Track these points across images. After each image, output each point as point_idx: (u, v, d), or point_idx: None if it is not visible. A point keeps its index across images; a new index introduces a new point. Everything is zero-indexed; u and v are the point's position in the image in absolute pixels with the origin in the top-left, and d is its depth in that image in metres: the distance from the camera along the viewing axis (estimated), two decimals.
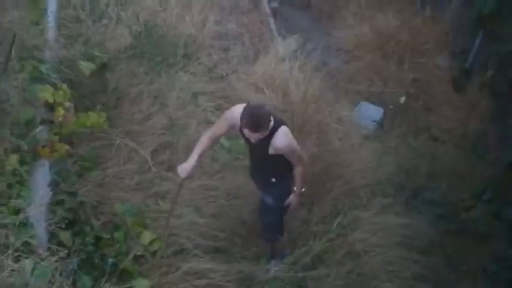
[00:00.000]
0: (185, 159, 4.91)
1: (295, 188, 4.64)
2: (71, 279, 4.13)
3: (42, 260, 4.08)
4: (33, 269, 3.98)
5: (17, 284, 3.87)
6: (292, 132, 5.70)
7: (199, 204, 5.16)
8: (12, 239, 4.02)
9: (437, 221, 5.74)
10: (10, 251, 3.92)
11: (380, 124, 6.57)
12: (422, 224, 5.64)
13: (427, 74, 7.15)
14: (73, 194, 4.71)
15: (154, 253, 4.64)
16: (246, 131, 4.09)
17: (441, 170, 6.16)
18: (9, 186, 4.23)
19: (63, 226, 4.43)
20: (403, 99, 6.74)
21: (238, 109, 4.23)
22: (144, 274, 4.50)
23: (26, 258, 4.01)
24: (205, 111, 5.97)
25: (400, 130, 6.58)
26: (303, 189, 4.70)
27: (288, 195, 4.68)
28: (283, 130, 4.28)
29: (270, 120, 4.14)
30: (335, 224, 5.17)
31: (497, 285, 5.32)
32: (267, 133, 4.16)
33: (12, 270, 3.87)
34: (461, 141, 6.53)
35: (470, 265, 5.51)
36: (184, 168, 4.41)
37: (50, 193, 4.53)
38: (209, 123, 5.84)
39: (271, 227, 4.89)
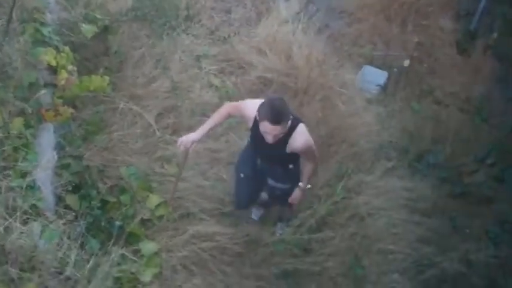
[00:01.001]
0: (189, 124, 4.94)
1: (300, 183, 4.46)
2: (78, 242, 4.17)
3: (50, 223, 4.10)
4: (41, 232, 4.00)
5: (26, 246, 3.88)
6: (296, 96, 5.76)
7: (204, 167, 5.16)
8: (19, 201, 4.03)
9: (441, 184, 5.75)
10: (18, 214, 3.93)
11: (384, 88, 6.51)
12: (425, 187, 5.66)
13: (431, 37, 7.05)
14: (78, 158, 4.71)
15: (160, 217, 4.66)
16: (266, 124, 3.82)
17: (445, 133, 6.13)
18: (15, 149, 4.21)
19: (70, 190, 4.45)
20: (407, 62, 6.67)
21: (255, 103, 4.02)
22: (150, 237, 4.54)
23: (34, 221, 4.03)
24: (208, 74, 5.92)
25: (404, 94, 6.53)
26: (309, 186, 4.57)
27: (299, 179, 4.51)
28: (302, 128, 4.08)
29: (290, 115, 3.92)
30: (339, 187, 5.18)
31: (500, 247, 5.35)
32: (286, 130, 3.93)
33: (21, 233, 3.89)
34: (465, 105, 6.48)
35: (473, 228, 5.54)
36: (188, 139, 4.23)
37: (56, 156, 4.54)
38: (212, 86, 5.82)
39: (282, 201, 4.79)
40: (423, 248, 5.19)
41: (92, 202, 4.52)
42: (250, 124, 4.13)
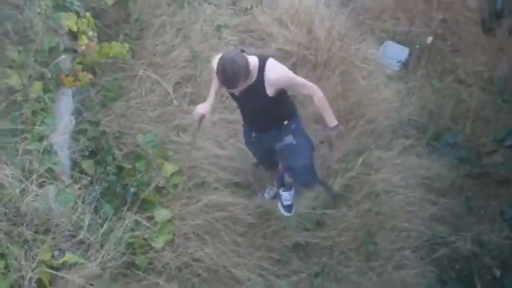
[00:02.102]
0: (207, 94, 4.90)
1: (328, 125, 4.17)
2: (93, 207, 4.21)
3: (66, 187, 4.14)
4: (56, 195, 4.04)
5: (41, 209, 3.93)
6: (316, 69, 5.71)
7: (220, 138, 5.16)
8: (36, 165, 4.07)
9: (459, 164, 5.71)
10: (34, 177, 3.97)
11: (405, 64, 6.43)
12: (443, 166, 5.62)
13: (455, 14, 6.92)
14: (96, 124, 4.73)
15: (175, 185, 4.68)
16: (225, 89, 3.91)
17: (465, 113, 6.07)
18: (34, 113, 4.24)
19: (86, 155, 4.49)
20: (430, 39, 6.57)
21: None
22: (164, 205, 4.56)
23: (50, 184, 4.07)
24: (228, 44, 5.86)
25: (425, 71, 6.46)
26: (335, 124, 4.18)
27: (303, 129, 4.41)
28: (270, 63, 3.96)
29: (248, 69, 3.81)
30: (358, 163, 5.15)
31: None
32: (253, 79, 3.89)
33: (36, 196, 3.93)
34: (488, 85, 6.39)
35: (489, 209, 5.51)
36: (200, 110, 4.30)
37: (73, 121, 4.57)
38: None
39: (305, 170, 4.50)
40: (437, 227, 5.18)
41: (108, 168, 4.55)
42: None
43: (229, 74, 3.75)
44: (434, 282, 4.92)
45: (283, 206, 4.86)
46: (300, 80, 4.11)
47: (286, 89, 4.12)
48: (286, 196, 4.84)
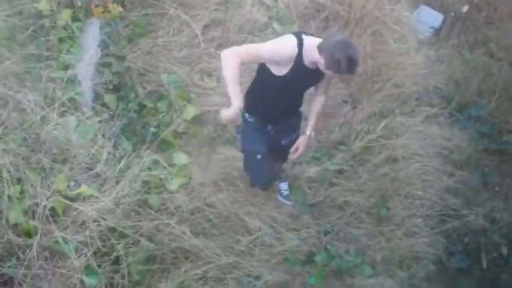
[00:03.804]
0: (235, 40, 4.82)
1: (309, 128, 3.94)
2: (112, 142, 4.21)
3: (86, 118, 4.13)
4: (76, 126, 4.03)
5: (60, 139, 3.93)
6: (348, 26, 5.60)
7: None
8: (59, 93, 4.05)
9: (479, 138, 5.63)
10: (56, 105, 3.96)
11: (437, 31, 6.30)
12: (463, 139, 5.55)
13: None
14: (121, 58, 4.68)
15: (196, 132, 4.65)
16: (345, 75, 3.44)
17: (492, 87, 5.96)
18: (60, 40, 4.20)
19: (109, 89, 4.46)
20: (465, 8, 6.41)
21: (293, 43, 3.46)
22: (183, 150, 4.54)
23: (71, 114, 4.06)
24: None
25: (457, 40, 6.33)
26: (313, 133, 4.00)
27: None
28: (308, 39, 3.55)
29: None
30: (380, 126, 5.09)
31: None
32: None
33: (57, 124, 3.92)
34: None
35: (503, 186, 5.46)
36: (233, 115, 3.44)
37: (99, 54, 4.53)
38: (264, 4, 5.66)
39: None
40: (450, 199, 5.15)
41: (129, 104, 4.53)
42: (285, 68, 3.52)
43: (357, 60, 3.37)
44: (442, 253, 4.91)
45: (284, 197, 4.81)
46: None
47: None
48: (283, 187, 4.82)
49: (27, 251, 3.57)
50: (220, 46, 5.11)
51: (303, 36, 3.51)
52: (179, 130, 4.59)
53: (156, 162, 4.25)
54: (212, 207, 4.40)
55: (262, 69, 3.62)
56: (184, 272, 4.12)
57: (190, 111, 4.63)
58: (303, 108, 4.04)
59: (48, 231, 3.67)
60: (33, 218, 3.65)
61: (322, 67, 3.41)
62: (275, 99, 3.76)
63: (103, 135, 4.15)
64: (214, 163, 4.52)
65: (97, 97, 4.43)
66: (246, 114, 3.92)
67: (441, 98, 5.78)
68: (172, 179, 4.31)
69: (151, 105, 4.62)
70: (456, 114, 5.73)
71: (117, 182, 4.07)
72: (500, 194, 5.41)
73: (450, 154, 5.38)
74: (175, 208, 4.26)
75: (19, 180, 3.71)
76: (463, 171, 5.37)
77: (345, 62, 3.29)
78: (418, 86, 5.66)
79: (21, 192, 3.69)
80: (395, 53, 5.65)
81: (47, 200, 3.71)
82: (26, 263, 3.54)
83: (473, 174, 5.41)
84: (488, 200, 5.31)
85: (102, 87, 4.43)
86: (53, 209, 3.73)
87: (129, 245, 3.92)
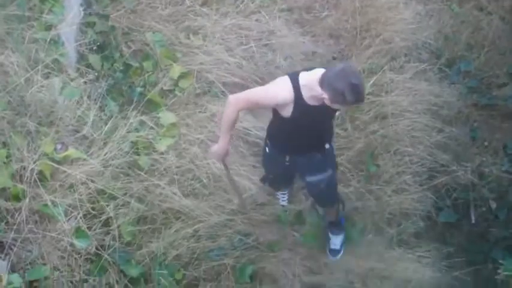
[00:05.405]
0: None
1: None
2: (98, 103, 4.16)
3: (71, 80, 4.07)
4: (62, 88, 3.98)
5: (46, 101, 3.88)
6: None
7: (231, 43, 5.01)
8: (42, 54, 3.98)
9: (468, 93, 5.60)
10: (40, 67, 3.90)
11: None
12: (452, 94, 5.51)
13: None
14: (105, 17, 4.60)
15: (182, 89, 4.59)
16: (351, 105, 3.47)
17: (481, 41, 5.89)
18: (42, 0, 4.09)
19: (94, 49, 4.38)
20: None
21: (285, 86, 3.43)
22: (170, 108, 4.49)
23: (56, 76, 4.00)
24: None
25: None
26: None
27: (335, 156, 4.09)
28: None
29: None
30: (369, 83, 5.05)
31: None
32: None
33: (42, 87, 3.87)
34: (508, 15, 6.18)
35: (492, 142, 5.47)
36: (220, 153, 3.69)
37: (82, 13, 4.43)
38: None
39: (330, 198, 4.33)
40: (439, 155, 5.15)
41: (115, 64, 4.47)
42: (288, 110, 3.47)
43: (362, 86, 3.29)
44: (431, 208, 4.95)
45: (330, 250, 4.65)
46: None
47: None
48: (334, 240, 4.64)
49: (16, 215, 3.55)
50: (205, 4, 5.03)
51: (300, 75, 3.44)
52: (165, 88, 4.52)
53: (143, 123, 4.21)
54: (202, 168, 4.38)
55: (274, 110, 3.61)
56: (175, 231, 4.13)
57: (177, 70, 4.57)
58: (331, 146, 3.97)
59: (36, 195, 3.65)
60: (21, 182, 3.63)
61: (328, 102, 3.32)
62: (290, 137, 3.74)
63: (89, 97, 4.11)
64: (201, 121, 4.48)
65: (81, 58, 4.35)
66: (268, 142, 3.96)
67: (430, 54, 5.72)
68: (160, 139, 4.28)
69: (137, 64, 4.56)
70: (445, 70, 5.68)
71: (105, 143, 4.04)
72: (489, 149, 5.42)
73: (439, 110, 5.36)
74: (165, 169, 4.24)
75: (5, 144, 3.67)
76: (452, 126, 5.35)
77: (349, 93, 3.19)
78: (407, 42, 5.58)
79: (8, 156, 3.66)
80: (384, 8, 5.56)
81: (34, 163, 3.68)
82: (15, 227, 3.53)
83: (462, 130, 5.40)
84: (477, 155, 5.32)
85: (86, 48, 4.35)
86: (40, 172, 3.71)
87: (119, 207, 3.92)
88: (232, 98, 3.52)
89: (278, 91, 3.43)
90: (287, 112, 3.47)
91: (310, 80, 3.37)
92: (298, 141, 3.73)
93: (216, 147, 3.68)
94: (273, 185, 4.55)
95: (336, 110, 3.63)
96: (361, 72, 3.34)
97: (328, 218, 4.59)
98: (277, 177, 4.29)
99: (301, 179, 4.25)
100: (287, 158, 3.94)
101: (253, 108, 3.92)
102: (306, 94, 3.41)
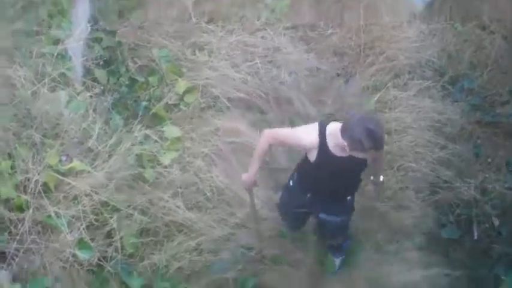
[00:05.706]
0: (227, 14, 4.79)
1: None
2: (103, 117, 4.21)
3: (77, 94, 4.12)
4: (68, 101, 4.02)
5: (52, 114, 3.93)
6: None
7: (236, 59, 5.07)
8: (49, 68, 4.04)
9: (471, 110, 5.63)
10: (46, 80, 3.95)
11: (430, 3, 6.27)
12: (456, 112, 5.53)
13: None
14: (112, 33, 4.67)
15: (187, 103, 4.64)
16: (371, 152, 3.38)
17: (484, 60, 5.94)
18: (50, 15, 4.18)
19: (100, 64, 4.44)
20: None
21: (310, 130, 3.56)
22: (175, 122, 4.53)
23: (62, 89, 4.05)
24: None
25: (450, 14, 6.28)
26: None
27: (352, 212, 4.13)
28: None
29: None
30: (374, 99, 5.08)
31: None
32: None
33: (48, 100, 3.92)
34: (510, 34, 6.21)
35: (495, 158, 5.47)
36: (248, 182, 3.85)
37: (89, 29, 4.50)
38: None
39: (341, 235, 4.39)
40: (442, 171, 5.15)
41: (120, 79, 4.52)
42: (313, 155, 3.59)
43: (380, 132, 3.31)
44: (433, 225, 4.95)
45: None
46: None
47: None
48: (337, 262, 4.70)
49: (19, 225, 3.59)
50: (212, 20, 5.09)
51: (330, 124, 3.52)
52: (170, 102, 4.57)
53: (147, 137, 4.25)
54: (206, 181, 4.40)
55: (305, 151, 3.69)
56: (178, 244, 4.14)
57: (182, 85, 4.63)
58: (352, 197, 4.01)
59: (40, 206, 3.69)
60: (25, 193, 3.67)
61: (348, 150, 3.37)
62: (315, 181, 3.81)
63: (94, 110, 4.15)
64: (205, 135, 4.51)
65: (88, 72, 4.42)
66: (295, 175, 3.99)
67: (434, 71, 5.77)
68: (165, 153, 4.32)
69: (143, 79, 4.61)
70: (448, 87, 5.72)
71: (109, 156, 4.07)
72: (492, 165, 5.42)
73: (443, 127, 5.38)
74: (169, 182, 4.27)
75: (10, 155, 3.72)
76: (456, 143, 5.37)
77: (366, 139, 3.24)
78: (411, 60, 5.64)
79: (13, 167, 3.70)
80: (389, 27, 5.63)
81: (38, 174, 3.72)
82: (18, 237, 3.56)
83: (465, 146, 5.41)
84: (480, 172, 5.31)
85: (92, 62, 4.42)
86: (44, 183, 3.75)
87: (122, 219, 3.94)
88: (266, 131, 3.71)
89: (305, 135, 3.55)
90: (312, 156, 3.57)
91: (336, 129, 3.42)
92: (321, 187, 3.81)
93: (245, 176, 3.84)
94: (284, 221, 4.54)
95: (364, 165, 3.67)
96: (381, 120, 3.36)
97: (331, 242, 4.58)
98: (290, 214, 4.28)
99: (313, 216, 4.26)
100: (308, 195, 3.96)
101: (283, 145, 4.02)
102: (330, 142, 3.48)
